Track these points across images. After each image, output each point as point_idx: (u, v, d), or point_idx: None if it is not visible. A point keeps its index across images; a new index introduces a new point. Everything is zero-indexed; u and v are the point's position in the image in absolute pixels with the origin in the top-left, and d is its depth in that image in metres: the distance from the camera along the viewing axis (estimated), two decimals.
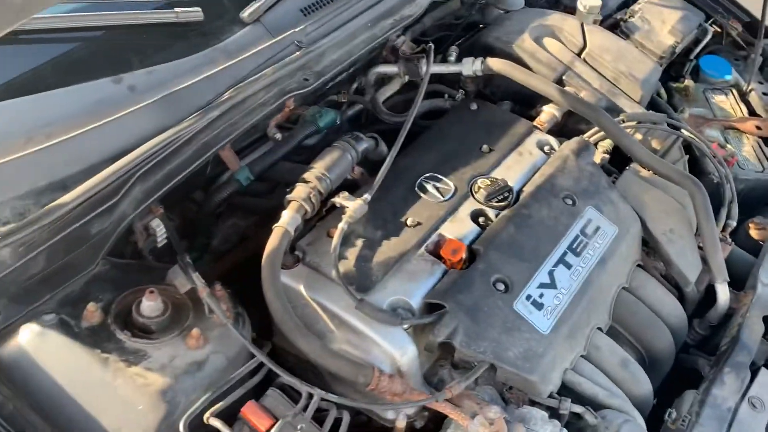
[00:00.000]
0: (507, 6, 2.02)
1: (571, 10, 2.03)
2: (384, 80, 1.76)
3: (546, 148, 1.55)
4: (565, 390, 1.23)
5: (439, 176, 1.43)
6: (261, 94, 1.37)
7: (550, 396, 1.19)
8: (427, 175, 1.43)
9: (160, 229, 1.29)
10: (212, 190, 1.43)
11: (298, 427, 1.03)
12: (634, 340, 1.39)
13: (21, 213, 1.10)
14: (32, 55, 1.29)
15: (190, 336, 1.09)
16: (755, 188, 1.74)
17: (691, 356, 1.47)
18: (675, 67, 2.06)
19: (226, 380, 1.07)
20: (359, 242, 1.28)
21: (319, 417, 1.08)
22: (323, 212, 1.33)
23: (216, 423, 1.01)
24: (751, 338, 1.36)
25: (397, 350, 1.15)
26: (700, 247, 1.49)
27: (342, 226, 1.25)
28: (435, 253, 1.29)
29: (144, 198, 1.22)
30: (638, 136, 1.62)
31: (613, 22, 2.05)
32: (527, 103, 1.74)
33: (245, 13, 1.45)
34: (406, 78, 1.72)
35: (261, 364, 1.12)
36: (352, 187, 1.37)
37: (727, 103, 1.97)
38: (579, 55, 1.79)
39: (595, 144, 1.59)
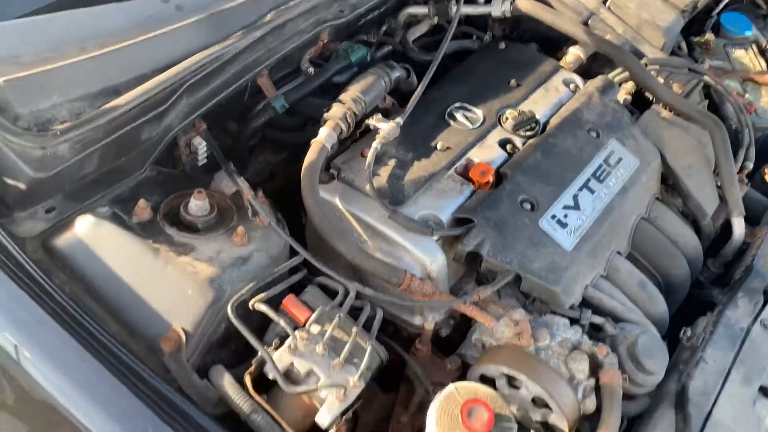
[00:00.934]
0: None
1: None
2: (412, 22, 1.81)
3: (571, 86, 1.60)
4: (585, 304, 1.29)
5: (468, 106, 1.48)
6: (300, 20, 1.42)
7: (571, 308, 1.25)
8: (456, 104, 1.48)
9: (201, 147, 1.36)
10: (249, 118, 1.49)
11: (335, 317, 1.10)
12: (651, 267, 1.45)
13: (77, 113, 1.16)
14: None
15: (235, 234, 1.15)
16: None
17: (705, 290, 1.53)
18: (696, 24, 2.09)
19: (269, 274, 1.14)
20: (391, 162, 1.34)
21: (354, 314, 1.15)
22: (357, 134, 1.39)
23: (262, 307, 1.07)
24: (765, 267, 1.41)
25: (427, 257, 1.21)
26: (717, 186, 1.55)
27: (375, 145, 1.30)
28: (464, 175, 1.35)
29: (189, 112, 1.28)
30: (660, 80, 1.66)
31: None
32: (553, 46, 1.78)
33: None
34: (436, 20, 1.77)
35: (300, 264, 1.18)
36: (383, 115, 1.42)
37: (746, 57, 2.00)
38: (604, 2, 1.84)
39: (619, 84, 1.63)
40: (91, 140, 1.13)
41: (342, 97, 1.36)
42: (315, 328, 1.09)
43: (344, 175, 1.31)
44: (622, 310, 1.29)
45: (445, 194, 1.30)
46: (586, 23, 1.75)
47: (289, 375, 1.06)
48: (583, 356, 1.14)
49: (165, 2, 1.34)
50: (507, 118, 1.46)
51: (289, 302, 1.11)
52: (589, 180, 1.38)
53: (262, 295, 1.10)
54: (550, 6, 1.76)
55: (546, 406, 1.11)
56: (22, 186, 1.10)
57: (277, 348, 1.07)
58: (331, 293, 1.17)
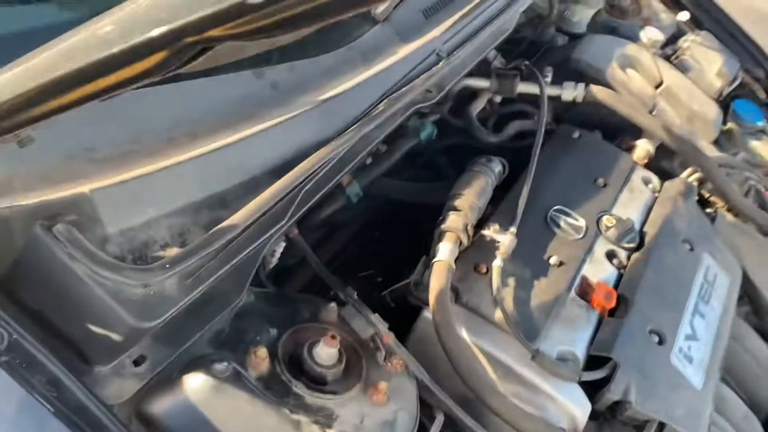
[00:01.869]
0: (572, 29, 1.98)
1: (629, 38, 2.02)
2: (467, 95, 1.65)
3: (650, 186, 1.52)
4: None
5: (568, 210, 1.35)
6: (399, 107, 1.22)
7: None
8: (556, 208, 1.35)
9: (278, 251, 1.12)
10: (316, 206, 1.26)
11: None
12: (740, 390, 1.40)
13: (179, 233, 0.89)
14: None
15: (375, 390, 0.94)
16: None
17: None
18: None
19: None
20: (511, 282, 1.18)
21: None
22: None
23: None
24: None
25: (577, 407, 1.07)
26: None
27: (498, 263, 1.14)
28: (583, 296, 1.22)
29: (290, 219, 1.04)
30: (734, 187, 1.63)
31: (664, 56, 2.07)
32: (610, 135, 1.70)
33: (378, 9, 1.29)
34: (495, 96, 1.63)
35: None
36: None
37: (762, 148, 2.05)
38: (656, 88, 1.79)
39: None
40: (205, 272, 0.87)
41: (458, 203, 1.19)
42: None
43: (466, 299, 1.13)
44: None
45: (575, 324, 1.16)
46: (651, 113, 1.69)
47: None
48: None
49: (259, 78, 1.08)
50: (607, 227, 1.35)
51: None
52: (697, 303, 1.31)
53: None
54: (616, 90, 1.67)
55: None
56: (114, 337, 0.82)
57: None
58: None
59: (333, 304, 1.02)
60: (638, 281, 1.26)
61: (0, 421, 0.73)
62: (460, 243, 1.15)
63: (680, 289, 1.30)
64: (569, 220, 1.34)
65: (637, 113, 1.58)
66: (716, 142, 1.97)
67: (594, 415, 1.16)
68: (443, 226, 1.15)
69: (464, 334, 1.09)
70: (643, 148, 1.61)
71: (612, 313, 1.21)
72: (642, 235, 1.38)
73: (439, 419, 0.99)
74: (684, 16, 2.20)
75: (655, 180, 1.54)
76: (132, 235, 0.86)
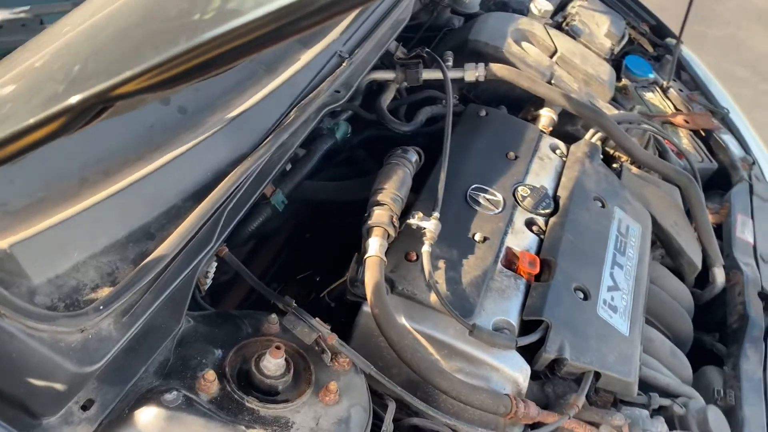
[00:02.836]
0: (465, 10, 2.05)
1: (519, 12, 2.11)
2: (374, 88, 1.68)
3: (558, 152, 1.60)
4: (641, 384, 1.30)
5: (485, 187, 1.41)
6: (310, 113, 1.25)
7: (638, 394, 1.26)
8: (474, 187, 1.41)
9: (211, 271, 1.14)
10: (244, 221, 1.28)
11: None
12: (663, 327, 1.51)
13: (109, 272, 0.89)
14: None
15: (327, 391, 0.97)
16: (701, 177, 1.97)
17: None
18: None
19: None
20: (441, 264, 1.23)
21: None
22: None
23: None
24: (757, 314, 1.54)
25: (518, 372, 1.13)
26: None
27: (427, 249, 1.19)
28: (510, 266, 1.29)
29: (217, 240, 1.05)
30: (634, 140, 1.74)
31: (555, 25, 2.17)
32: (515, 106, 1.78)
33: None
34: (402, 84, 1.67)
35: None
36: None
37: (655, 99, 2.18)
38: (551, 57, 1.87)
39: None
40: (140, 307, 0.88)
41: (380, 197, 1.22)
42: None
43: (401, 288, 1.17)
44: (675, 385, 1.33)
45: (505, 294, 1.23)
46: (550, 83, 1.77)
47: None
48: None
49: (165, 105, 1.08)
50: (522, 197, 1.42)
51: None
52: (615, 255, 1.40)
53: None
54: (514, 66, 1.75)
55: None
56: (58, 387, 0.82)
57: None
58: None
59: (273, 316, 1.04)
60: (558, 244, 1.34)
61: None
62: (389, 236, 1.19)
63: (597, 245, 1.39)
64: (487, 196, 1.40)
65: (536, 85, 1.66)
66: (614, 99, 2.09)
67: (535, 376, 1.23)
68: (370, 222, 1.19)
69: (404, 321, 1.13)
70: (546, 116, 1.69)
71: (538, 278, 1.29)
72: (556, 199, 1.46)
73: (391, 407, 1.04)
74: None
75: (562, 146, 1.62)
76: (60, 282, 0.85)
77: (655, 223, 1.58)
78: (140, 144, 1.02)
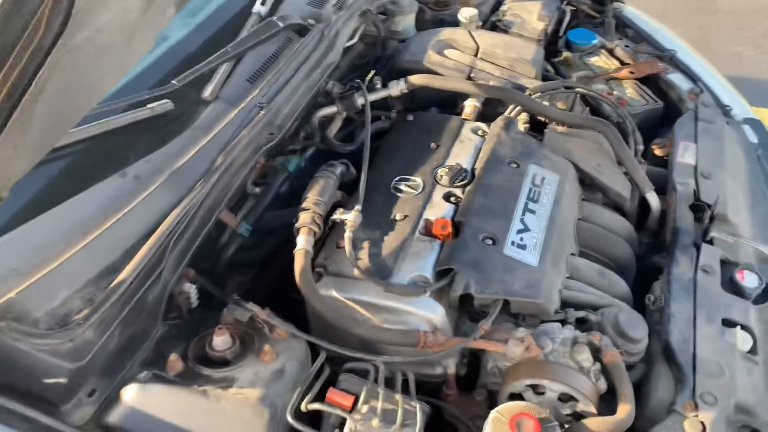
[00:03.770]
0: (402, 36, 2.35)
1: (455, 24, 2.38)
2: (326, 122, 2.02)
3: (479, 132, 1.85)
4: (565, 306, 1.49)
5: (407, 177, 1.69)
6: (242, 154, 1.60)
7: (556, 312, 1.45)
8: (397, 178, 1.69)
9: (192, 292, 1.47)
10: (219, 250, 1.62)
11: (378, 393, 1.24)
12: (601, 256, 1.68)
13: (88, 299, 1.27)
14: (42, 173, 1.46)
15: (263, 353, 1.28)
16: (646, 118, 2.11)
17: (648, 260, 1.78)
18: (552, 47, 2.44)
19: (305, 377, 1.27)
20: (365, 244, 1.51)
21: (387, 384, 1.29)
22: (327, 231, 1.56)
23: (315, 405, 1.20)
24: (687, 224, 1.68)
25: (430, 312, 1.38)
26: (625, 173, 1.83)
27: (348, 234, 1.48)
28: (428, 234, 1.54)
29: (177, 264, 1.41)
30: (546, 104, 1.95)
31: (491, 25, 2.42)
32: (450, 105, 2.04)
33: (206, 93, 1.69)
34: (345, 114, 1.99)
35: (325, 360, 1.32)
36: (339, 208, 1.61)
37: (600, 61, 2.36)
38: (476, 55, 2.13)
39: (516, 118, 1.90)
40: (110, 318, 1.24)
41: (305, 204, 1.54)
42: (365, 408, 1.22)
43: (331, 269, 1.47)
44: (596, 299, 1.51)
45: (421, 254, 1.49)
46: (469, 77, 2.03)
47: None
48: (584, 347, 1.34)
49: (123, 177, 1.47)
50: (441, 176, 1.68)
51: (332, 394, 1.24)
52: (527, 203, 1.61)
53: (308, 397, 1.23)
54: (436, 74, 2.02)
55: (571, 398, 1.29)
56: (63, 380, 1.19)
57: None
58: (359, 374, 1.31)
59: (225, 309, 1.38)
60: (470, 206, 1.58)
61: None
62: (315, 233, 1.50)
63: (508, 199, 1.61)
64: (408, 183, 1.67)
65: (449, 82, 1.93)
66: (557, 72, 2.30)
67: (473, 319, 1.47)
68: (297, 225, 1.50)
69: (335, 293, 1.42)
70: (468, 105, 1.95)
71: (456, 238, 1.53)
72: (473, 171, 1.71)
73: (322, 355, 1.32)
74: None
75: (483, 126, 1.86)
76: (55, 311, 1.23)
77: (579, 169, 1.77)
78: (107, 208, 1.40)
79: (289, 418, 1.18)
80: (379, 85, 2.00)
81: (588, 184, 1.79)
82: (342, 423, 1.21)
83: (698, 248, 1.63)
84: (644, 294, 1.61)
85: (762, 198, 1.90)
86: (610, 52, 2.39)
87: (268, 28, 1.87)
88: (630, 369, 1.40)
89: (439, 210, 1.60)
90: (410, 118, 1.92)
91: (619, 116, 1.98)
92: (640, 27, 2.46)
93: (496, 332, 1.38)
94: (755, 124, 2.17)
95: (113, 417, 1.21)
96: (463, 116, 1.92)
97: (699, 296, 1.52)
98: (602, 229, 1.71)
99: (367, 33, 2.30)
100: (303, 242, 1.46)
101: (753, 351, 1.46)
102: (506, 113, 1.91)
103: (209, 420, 1.20)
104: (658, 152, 2.00)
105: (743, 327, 1.48)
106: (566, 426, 1.25)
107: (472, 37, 2.18)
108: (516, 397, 1.33)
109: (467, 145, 1.80)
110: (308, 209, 1.53)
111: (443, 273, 1.45)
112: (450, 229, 1.53)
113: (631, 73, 2.27)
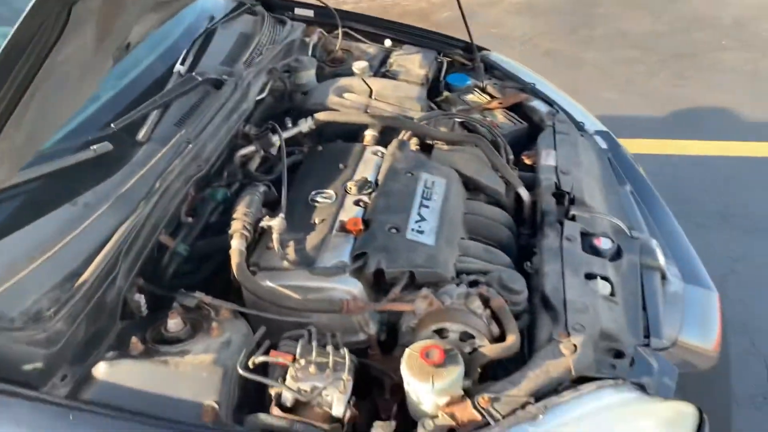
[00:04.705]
0: (306, 88, 2.72)
1: (349, 76, 2.78)
2: (246, 161, 2.31)
3: (379, 153, 2.20)
4: (460, 275, 1.82)
5: (322, 190, 2.00)
6: (175, 183, 1.86)
7: (453, 279, 1.77)
8: (314, 192, 1.99)
9: (142, 302, 1.70)
10: (163, 269, 1.85)
11: (312, 349, 1.50)
12: (485, 240, 2.03)
13: (56, 299, 1.48)
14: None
15: (212, 329, 1.52)
16: (514, 138, 2.52)
17: (527, 247, 2.14)
18: (434, 91, 2.87)
19: (249, 346, 1.51)
20: (291, 243, 1.80)
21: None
22: (256, 237, 1.84)
23: (262, 358, 1.44)
24: (551, 207, 2.07)
25: (351, 286, 1.67)
26: (500, 177, 2.22)
27: (275, 236, 1.76)
28: (343, 230, 1.85)
29: (128, 271, 1.64)
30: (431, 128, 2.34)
31: (381, 75, 2.84)
32: (352, 137, 2.40)
33: (140, 136, 1.96)
34: (262, 152, 2.30)
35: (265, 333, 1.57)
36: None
37: (475, 97, 2.80)
38: (370, 96, 2.52)
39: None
40: (76, 312, 1.46)
41: (235, 215, 1.81)
42: (302, 361, 1.48)
43: (263, 266, 1.73)
44: (485, 266, 1.84)
45: (339, 247, 1.78)
46: (366, 111, 2.41)
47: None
48: (475, 297, 1.66)
49: (74, 206, 1.71)
50: (351, 188, 2.00)
51: (275, 354, 1.49)
52: (422, 201, 1.96)
53: (255, 355, 1.47)
54: (338, 111, 2.39)
55: (469, 336, 1.59)
56: (39, 365, 1.39)
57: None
58: (295, 341, 1.57)
59: (178, 296, 1.61)
60: (376, 206, 1.91)
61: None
62: (246, 237, 1.77)
63: (407, 199, 1.95)
64: (323, 195, 1.98)
65: (352, 116, 2.30)
66: (439, 107, 2.71)
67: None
68: (230, 232, 1.77)
69: (269, 283, 1.69)
70: (368, 134, 2.31)
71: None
72: (377, 182, 2.04)
73: (262, 328, 1.57)
74: (387, 42, 3.01)
75: (382, 149, 2.22)
76: (27, 311, 1.44)
77: (462, 174, 2.15)
78: (63, 230, 1.63)
79: (240, 371, 1.41)
80: (290, 125, 2.33)
81: (472, 188, 2.16)
82: (284, 375, 1.46)
83: (562, 224, 2.01)
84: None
85: (613, 190, 2.34)
86: (482, 90, 2.85)
87: (190, 81, 2.17)
88: (518, 319, 1.73)
89: (351, 212, 1.92)
90: (320, 148, 2.25)
91: (493, 135, 2.40)
92: (504, 68, 2.94)
93: (405, 298, 1.68)
94: (605, 134, 2.65)
95: (87, 393, 1.41)
96: (364, 143, 2.27)
97: (565, 258, 1.88)
98: (485, 218, 2.07)
99: (275, 88, 2.65)
100: (237, 244, 1.73)
101: (612, 295, 1.82)
102: (400, 137, 2.28)
103: (171, 382, 1.42)
104: (527, 161, 2.42)
105: (603, 278, 1.84)
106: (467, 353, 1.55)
107: (366, 82, 2.57)
108: None
109: (370, 164, 2.14)
110: (238, 218, 1.80)
111: (358, 257, 1.75)
112: (361, 225, 1.84)
113: (500, 103, 2.72)
